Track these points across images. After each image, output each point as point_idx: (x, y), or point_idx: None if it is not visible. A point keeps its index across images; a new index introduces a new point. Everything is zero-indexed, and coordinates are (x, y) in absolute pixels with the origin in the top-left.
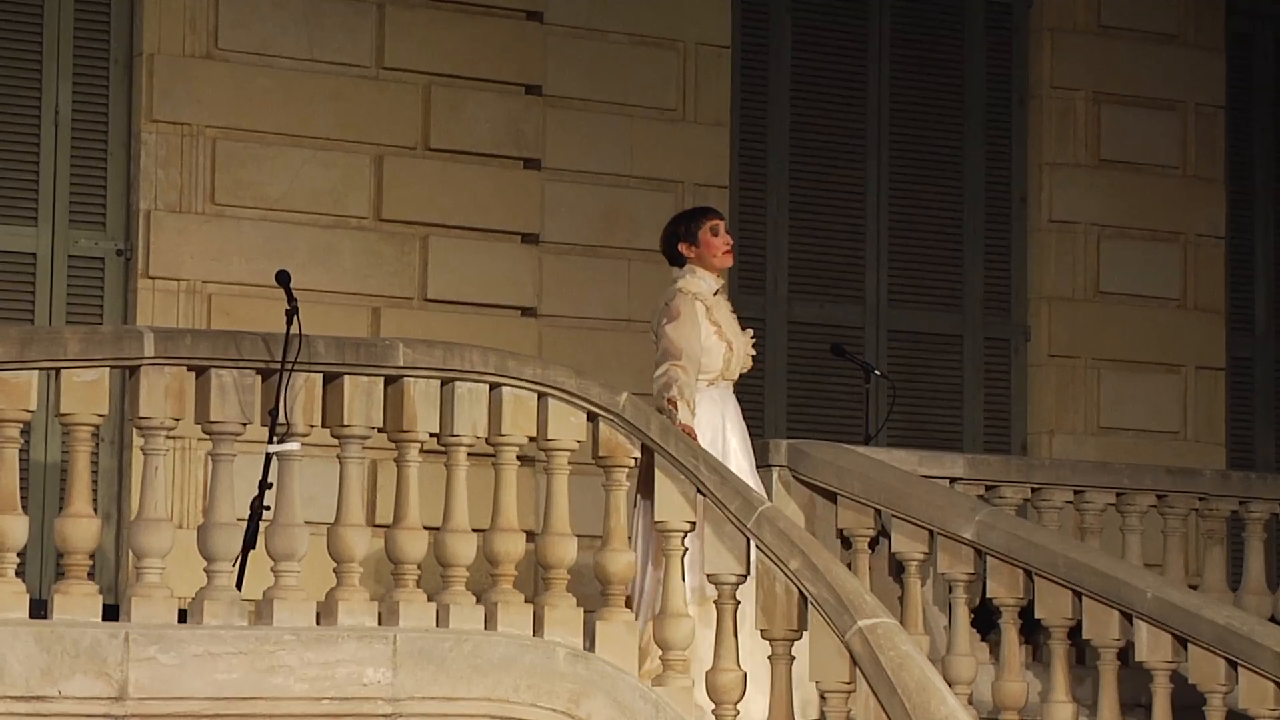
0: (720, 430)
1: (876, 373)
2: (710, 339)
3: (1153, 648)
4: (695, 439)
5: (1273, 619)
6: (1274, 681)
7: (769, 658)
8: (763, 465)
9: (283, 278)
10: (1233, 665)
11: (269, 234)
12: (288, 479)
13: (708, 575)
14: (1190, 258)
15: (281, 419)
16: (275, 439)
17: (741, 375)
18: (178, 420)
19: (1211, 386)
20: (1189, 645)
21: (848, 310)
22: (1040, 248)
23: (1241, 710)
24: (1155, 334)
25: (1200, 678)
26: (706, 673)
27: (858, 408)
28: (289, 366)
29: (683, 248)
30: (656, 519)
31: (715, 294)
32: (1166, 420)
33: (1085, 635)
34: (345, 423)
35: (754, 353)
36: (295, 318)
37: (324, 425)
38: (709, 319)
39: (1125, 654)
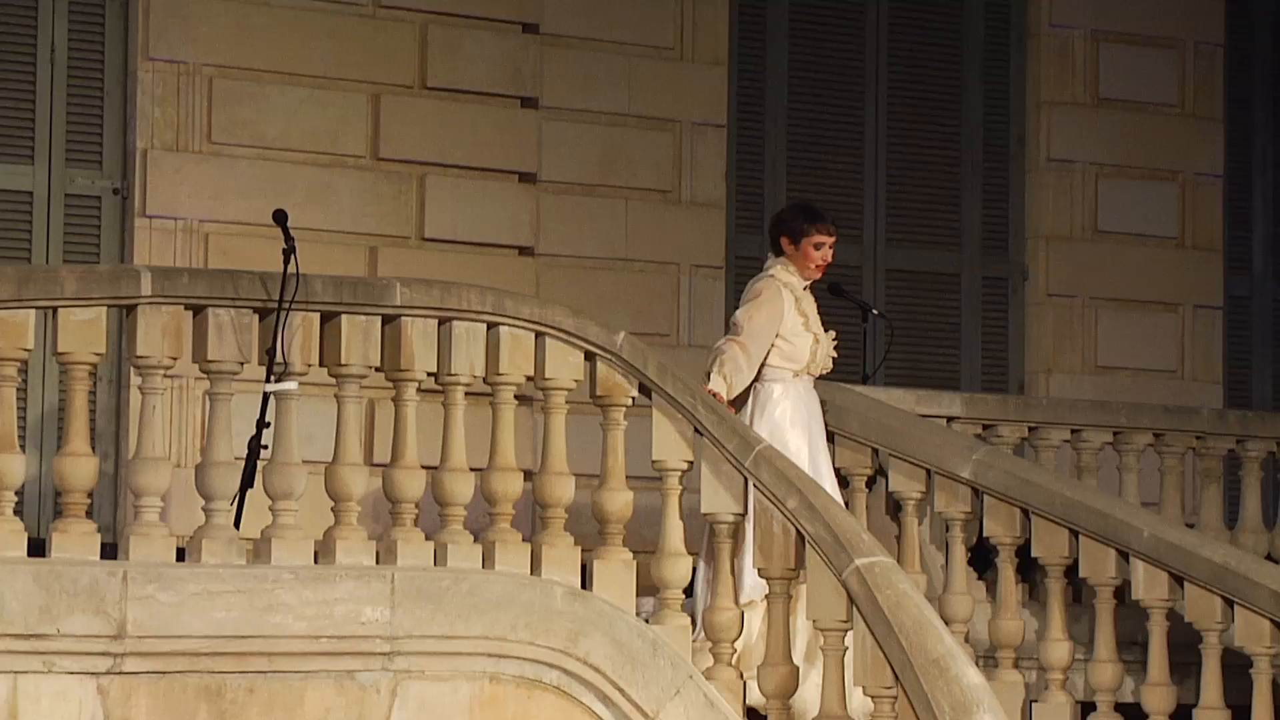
0: (804, 424)
1: (874, 312)
2: (797, 328)
3: (1149, 586)
4: (723, 403)
5: (1269, 557)
6: (1270, 619)
7: (767, 597)
8: None
9: (280, 217)
10: (1229, 603)
11: (266, 173)
12: (285, 418)
13: (705, 515)
14: (1188, 197)
15: (279, 358)
16: (273, 378)
17: (822, 376)
18: (175, 359)
19: (1209, 325)
20: (1185, 584)
21: (846, 249)
22: (1038, 187)
23: (1238, 648)
24: (1153, 273)
25: (1197, 616)
26: (704, 610)
27: (855, 347)
28: (286, 306)
29: (784, 241)
30: (654, 458)
31: (805, 289)
32: (1164, 359)
33: (1082, 574)
34: (343, 362)
35: (835, 355)
36: (292, 257)
37: (321, 364)
38: (797, 309)
39: (1122, 592)
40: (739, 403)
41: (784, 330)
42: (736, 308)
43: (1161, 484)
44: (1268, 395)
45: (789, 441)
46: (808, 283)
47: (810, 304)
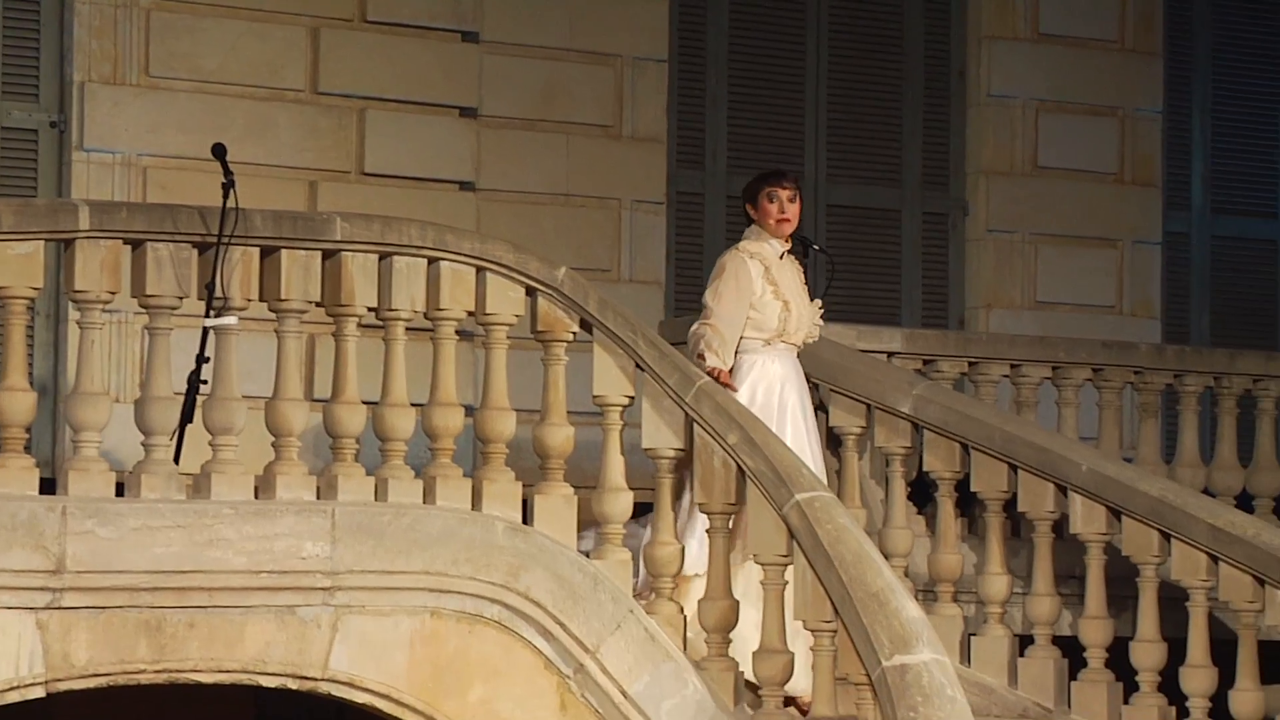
0: (776, 393)
1: (815, 247)
2: (765, 296)
3: (1087, 520)
4: (726, 381)
5: (1206, 491)
6: (1206, 552)
7: (708, 531)
8: None
9: (219, 151)
10: (1166, 537)
11: (204, 107)
12: (225, 353)
13: (645, 450)
14: (1128, 132)
15: (218, 293)
16: (212, 313)
17: (807, 344)
18: (114, 294)
19: (1147, 261)
20: (1123, 517)
21: None
22: (979, 122)
23: (1174, 581)
24: (1092, 209)
25: (1134, 549)
26: (645, 546)
27: None
28: (226, 240)
29: (749, 208)
30: (595, 393)
31: (781, 257)
32: (1103, 295)
33: (1020, 508)
34: (283, 297)
35: (821, 324)
36: (232, 191)
37: (261, 299)
38: (766, 278)
39: (1060, 526)
40: None
41: (752, 299)
42: (678, 247)
43: (1100, 419)
44: (1205, 330)
45: (756, 411)
46: (785, 249)
47: (787, 271)
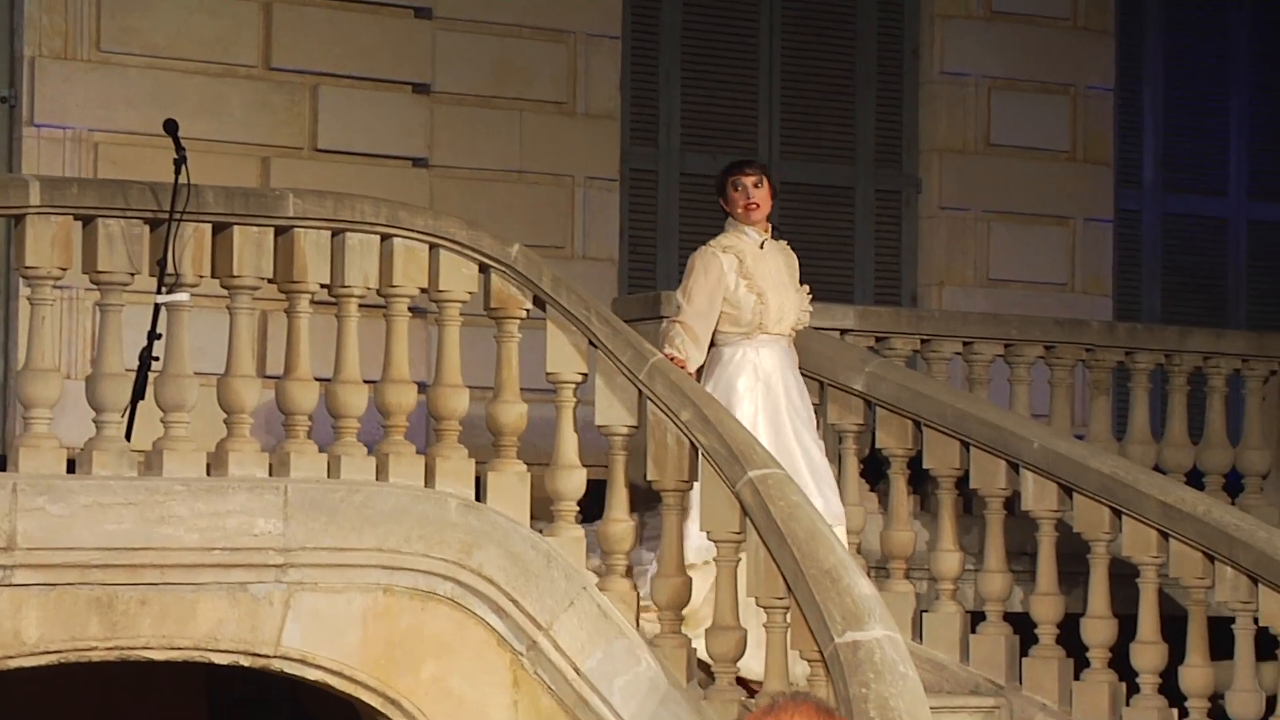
0: (759, 387)
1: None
2: (739, 290)
3: (1039, 497)
4: (684, 368)
5: (1157, 468)
6: (1157, 529)
7: (663, 507)
8: (654, 317)
9: (170, 127)
10: (1117, 514)
11: (156, 82)
12: (177, 329)
13: (599, 427)
14: (1080, 110)
15: (170, 269)
16: (164, 289)
17: (795, 331)
18: (65, 270)
19: (1099, 238)
20: (1074, 494)
21: None
22: (931, 100)
23: (1125, 558)
24: (1044, 186)
25: (1085, 526)
26: (599, 524)
27: None
28: (177, 216)
29: (720, 201)
30: (549, 370)
31: (762, 246)
32: (1054, 272)
33: (973, 485)
34: (235, 273)
35: (809, 309)
36: (183, 167)
37: (213, 276)
38: (740, 271)
39: (1012, 503)
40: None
41: (725, 294)
42: (632, 224)
43: (1051, 396)
44: (1156, 308)
45: (733, 407)
46: (764, 238)
47: (770, 261)
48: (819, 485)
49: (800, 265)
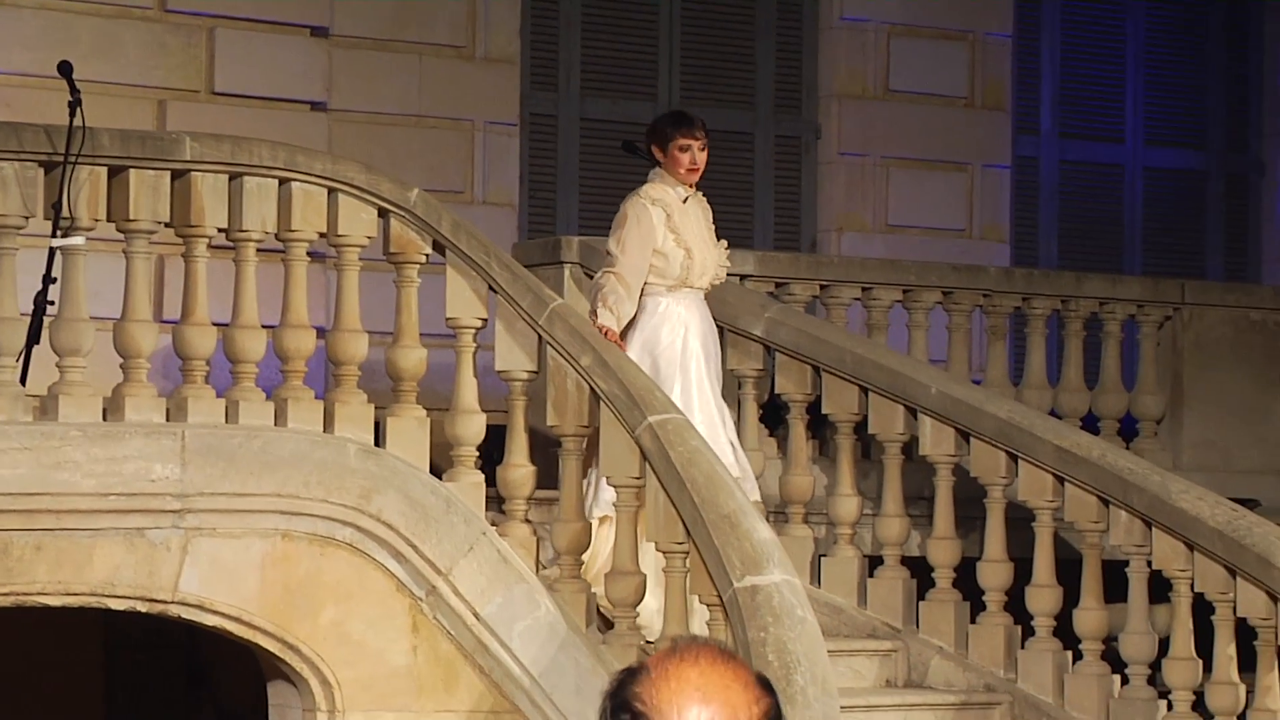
0: (680, 336)
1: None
2: (668, 244)
3: (936, 442)
4: (615, 340)
5: (1053, 413)
6: (1052, 473)
7: (561, 451)
8: (554, 262)
9: (65, 69)
10: (1013, 458)
11: (49, 23)
12: (72, 274)
13: (499, 372)
14: (978, 57)
15: (65, 212)
16: (59, 233)
17: (714, 285)
18: None
19: (997, 185)
20: (971, 439)
21: (640, 107)
22: (831, 46)
23: (1021, 502)
24: (942, 133)
25: (981, 471)
26: (498, 467)
27: None
28: (72, 159)
29: (655, 150)
30: (448, 315)
31: (685, 201)
32: (953, 218)
33: (871, 430)
34: (131, 217)
35: (728, 265)
36: (78, 110)
37: (109, 219)
38: (668, 225)
39: (909, 448)
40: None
41: (655, 246)
42: (531, 169)
43: (949, 341)
44: (1053, 254)
45: (660, 356)
46: (689, 194)
47: (692, 215)
48: (732, 439)
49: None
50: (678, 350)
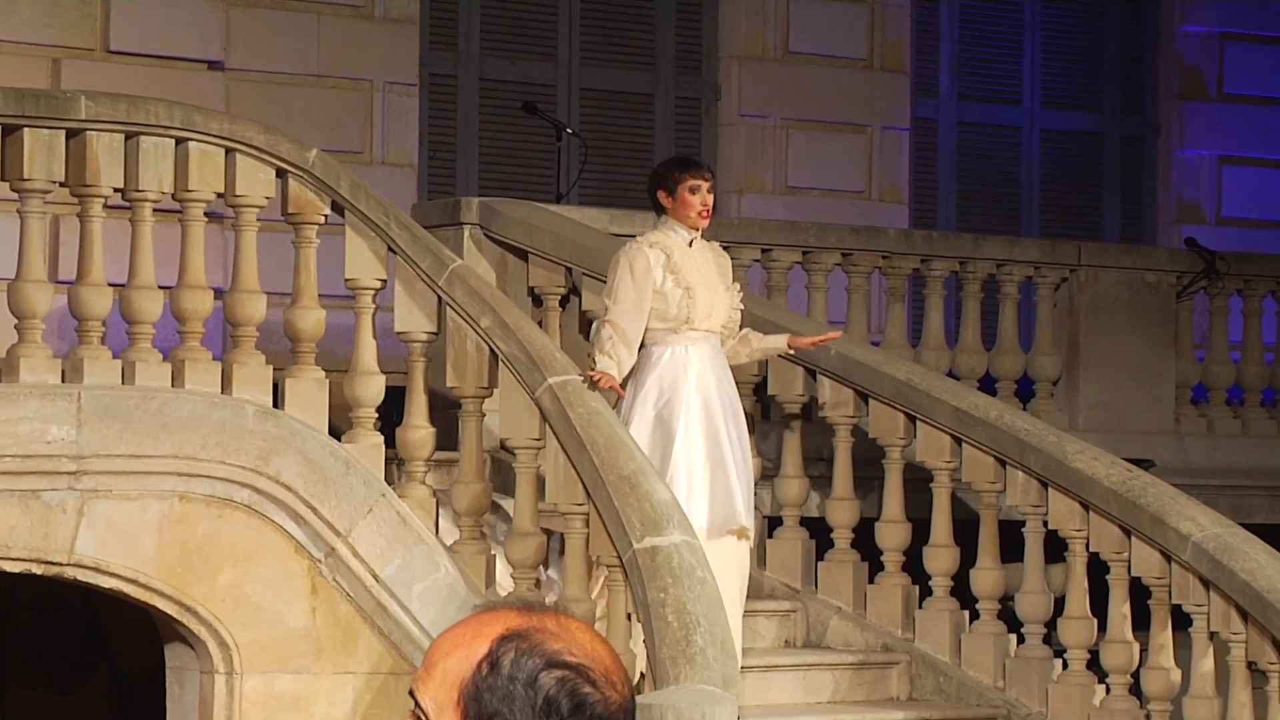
0: (683, 387)
1: (568, 131)
2: (666, 284)
3: (835, 403)
4: (615, 388)
5: (951, 374)
6: (950, 434)
7: (460, 413)
8: (454, 223)
9: None
10: (911, 419)
11: None
12: None
13: (398, 333)
14: (877, 18)
15: None
16: None
17: (725, 330)
18: None
19: (896, 147)
20: (870, 400)
21: (540, 68)
22: (730, 6)
23: (919, 463)
24: (842, 94)
25: (880, 432)
26: (397, 429)
27: (549, 166)
28: None
29: (662, 195)
30: (347, 276)
31: (690, 244)
32: (852, 180)
33: (770, 391)
34: (25, 177)
35: (740, 307)
36: None
37: (3, 179)
38: (666, 266)
39: (809, 409)
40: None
41: (654, 288)
42: (431, 129)
43: (848, 303)
44: (952, 216)
45: (659, 407)
46: (694, 236)
47: (698, 258)
48: (742, 488)
49: (600, 171)
50: (680, 400)
